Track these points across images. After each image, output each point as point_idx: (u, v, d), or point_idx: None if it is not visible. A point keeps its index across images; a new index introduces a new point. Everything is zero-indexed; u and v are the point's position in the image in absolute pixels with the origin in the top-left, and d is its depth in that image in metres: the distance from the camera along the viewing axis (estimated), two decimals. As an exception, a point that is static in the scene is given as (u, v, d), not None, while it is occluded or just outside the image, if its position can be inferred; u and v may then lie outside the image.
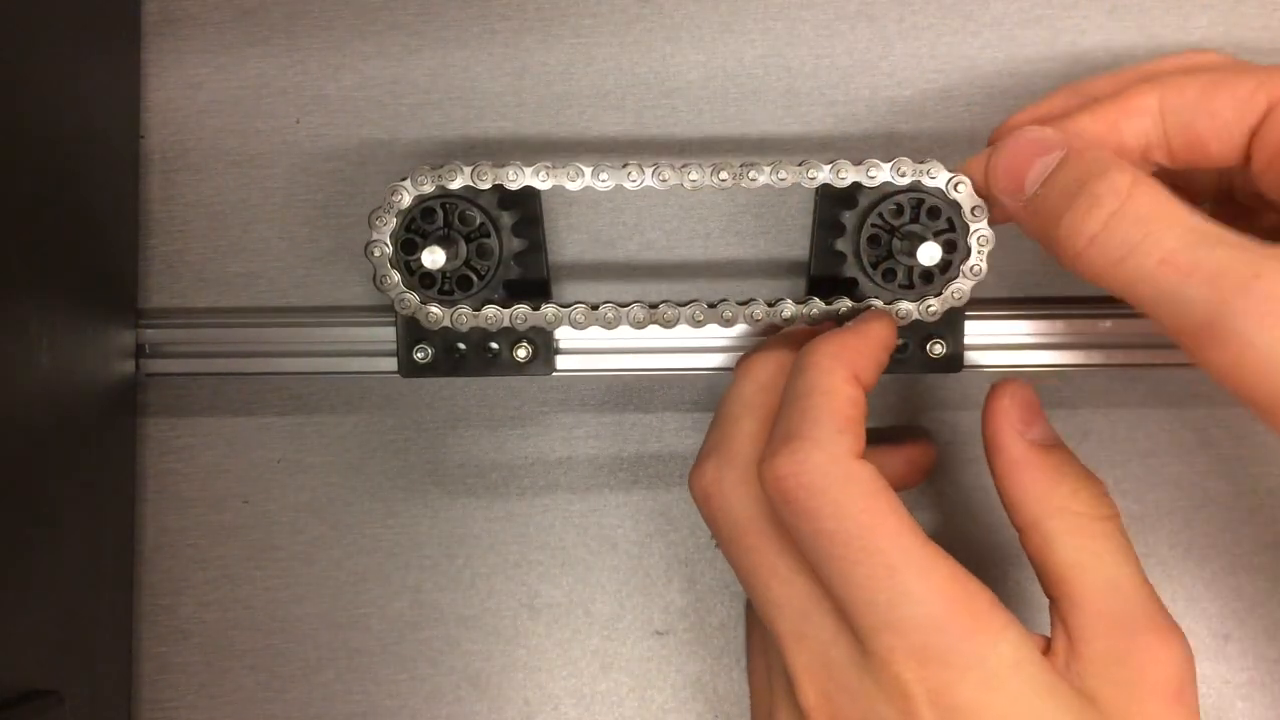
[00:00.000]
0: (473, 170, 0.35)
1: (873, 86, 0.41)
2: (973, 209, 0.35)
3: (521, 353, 0.38)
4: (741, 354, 0.35)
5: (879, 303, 0.36)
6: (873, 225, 0.36)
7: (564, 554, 0.41)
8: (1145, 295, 0.28)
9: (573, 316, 0.36)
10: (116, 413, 0.39)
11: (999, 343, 0.39)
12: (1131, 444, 0.41)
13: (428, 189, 0.35)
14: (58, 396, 0.35)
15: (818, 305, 0.36)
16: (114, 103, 0.40)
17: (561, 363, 0.38)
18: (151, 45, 0.41)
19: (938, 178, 0.35)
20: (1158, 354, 0.39)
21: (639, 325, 0.36)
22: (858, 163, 0.35)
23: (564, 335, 0.38)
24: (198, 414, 0.41)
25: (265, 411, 0.41)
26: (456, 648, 0.41)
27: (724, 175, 0.35)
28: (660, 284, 0.41)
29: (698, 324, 0.36)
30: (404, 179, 0.35)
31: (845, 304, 0.36)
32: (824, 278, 0.38)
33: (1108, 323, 0.39)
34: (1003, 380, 0.32)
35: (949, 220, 0.35)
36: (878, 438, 0.38)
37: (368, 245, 0.35)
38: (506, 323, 0.36)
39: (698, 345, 0.39)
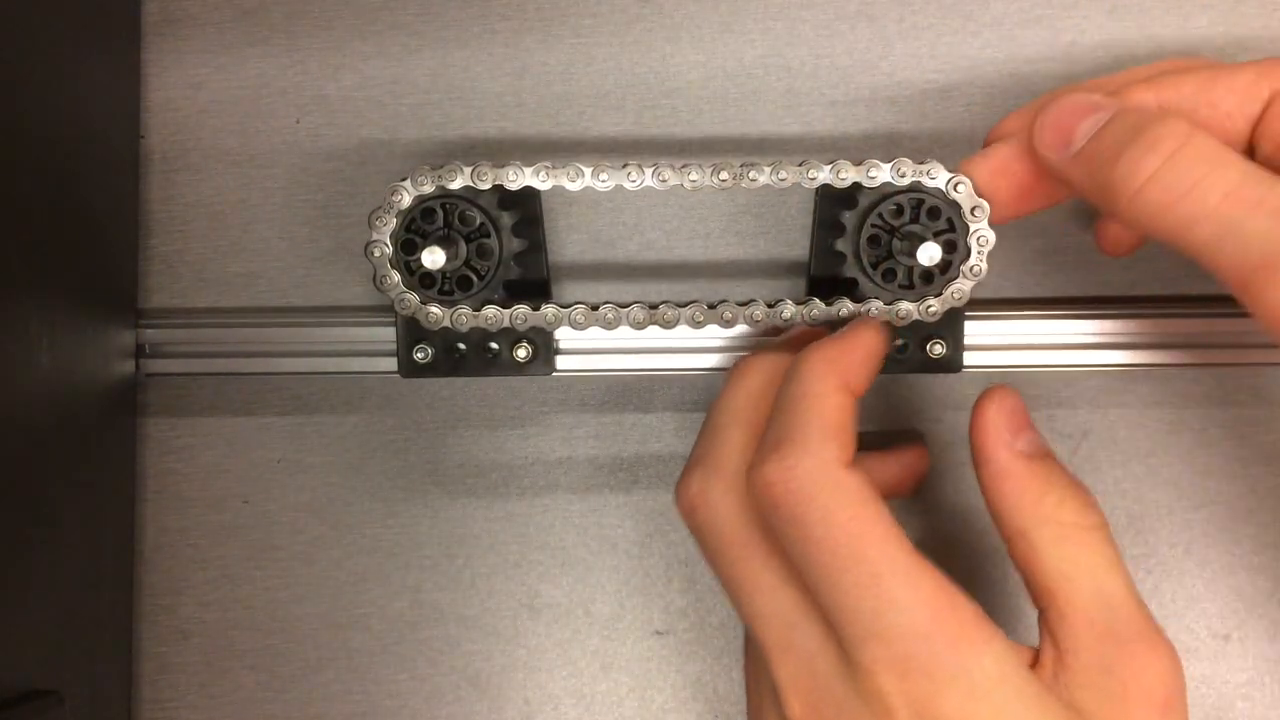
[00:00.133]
0: (473, 170, 0.35)
1: (873, 86, 0.41)
2: (973, 209, 0.35)
3: (521, 353, 0.38)
4: (735, 361, 0.35)
5: (879, 304, 0.36)
6: (873, 225, 0.36)
7: (564, 554, 0.41)
8: (1203, 234, 0.28)
9: (573, 317, 0.36)
10: (116, 413, 0.39)
11: (999, 343, 0.39)
12: (1131, 444, 0.41)
13: (428, 189, 0.35)
14: (58, 396, 0.35)
15: (818, 306, 0.36)
16: (114, 103, 0.40)
17: (561, 363, 0.38)
18: (151, 45, 0.41)
19: (938, 178, 0.35)
20: (1158, 354, 0.39)
21: (639, 326, 0.36)
22: (858, 163, 0.35)
23: (564, 335, 0.38)
24: (198, 414, 0.41)
25: (265, 411, 0.41)
26: (456, 648, 0.41)
27: (724, 175, 0.35)
28: (660, 284, 0.41)
29: (698, 325, 0.36)
30: (404, 179, 0.35)
31: (845, 305, 0.36)
32: (824, 278, 0.38)
33: (1108, 323, 0.39)
34: (990, 388, 0.32)
35: (949, 220, 0.35)
36: (873, 443, 0.38)
37: (368, 245, 0.35)
38: (506, 323, 0.36)
39: (698, 346, 0.39)
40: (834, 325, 0.36)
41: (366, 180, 0.41)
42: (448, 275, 0.36)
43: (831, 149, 0.41)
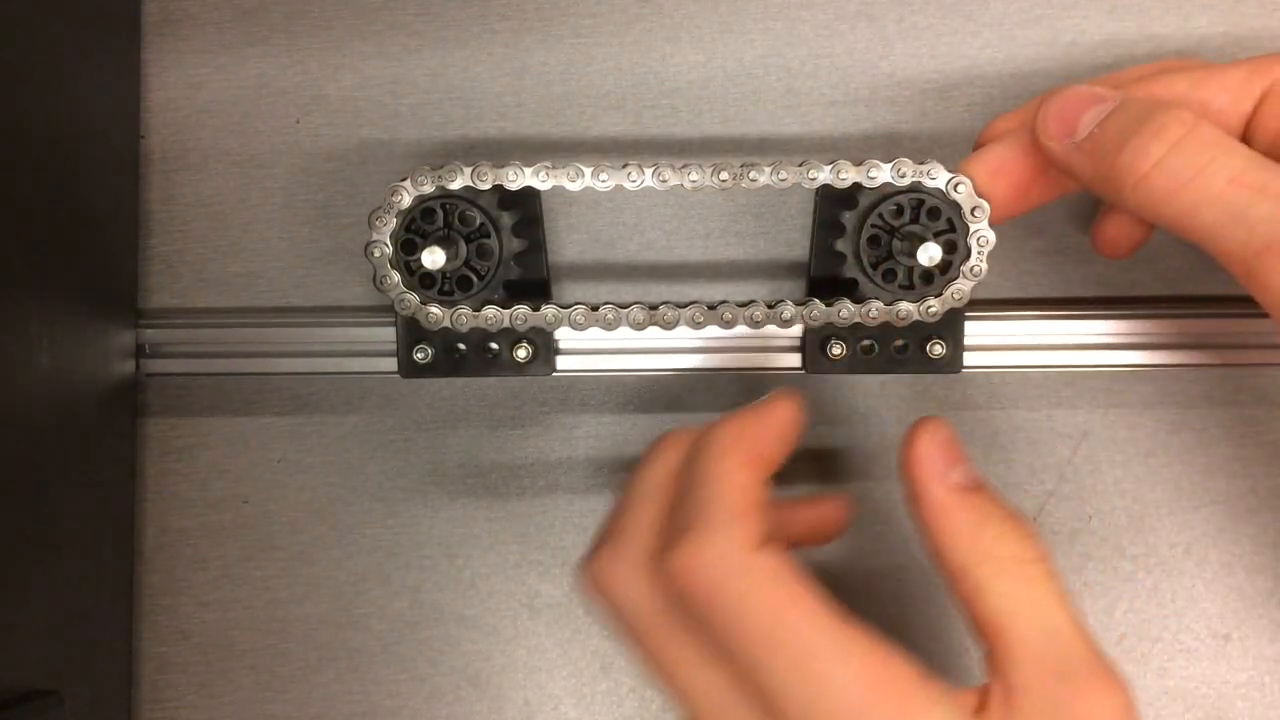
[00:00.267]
0: (473, 170, 0.35)
1: (873, 86, 0.41)
2: (973, 210, 0.35)
3: (521, 353, 0.38)
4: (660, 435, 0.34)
5: (879, 304, 0.36)
6: (873, 226, 0.36)
7: (564, 554, 0.41)
8: (1209, 218, 0.28)
9: (573, 317, 0.36)
10: (116, 413, 0.39)
11: (999, 343, 0.39)
12: (1131, 444, 0.41)
13: (428, 189, 0.35)
14: (58, 396, 0.35)
15: (818, 306, 0.36)
16: (114, 103, 0.40)
17: (561, 363, 0.38)
18: (151, 45, 0.41)
19: (938, 178, 0.35)
20: (1158, 354, 0.39)
21: (639, 326, 0.36)
22: (858, 163, 0.35)
23: (564, 336, 0.38)
24: (198, 414, 0.41)
25: (265, 411, 0.41)
26: (456, 648, 0.41)
27: (724, 175, 0.35)
28: (660, 284, 0.41)
29: (698, 325, 0.36)
30: (404, 179, 0.35)
31: (845, 305, 0.36)
32: (824, 278, 0.38)
33: (1108, 323, 0.39)
34: (919, 421, 0.31)
35: (949, 221, 0.35)
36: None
37: (368, 245, 0.35)
38: (506, 323, 0.36)
39: (698, 346, 0.39)
40: (834, 327, 0.36)
41: (366, 180, 0.41)
42: (448, 275, 0.36)
43: (831, 149, 0.41)
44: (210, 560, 0.41)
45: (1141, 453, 0.41)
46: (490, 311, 0.36)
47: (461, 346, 0.38)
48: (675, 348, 0.39)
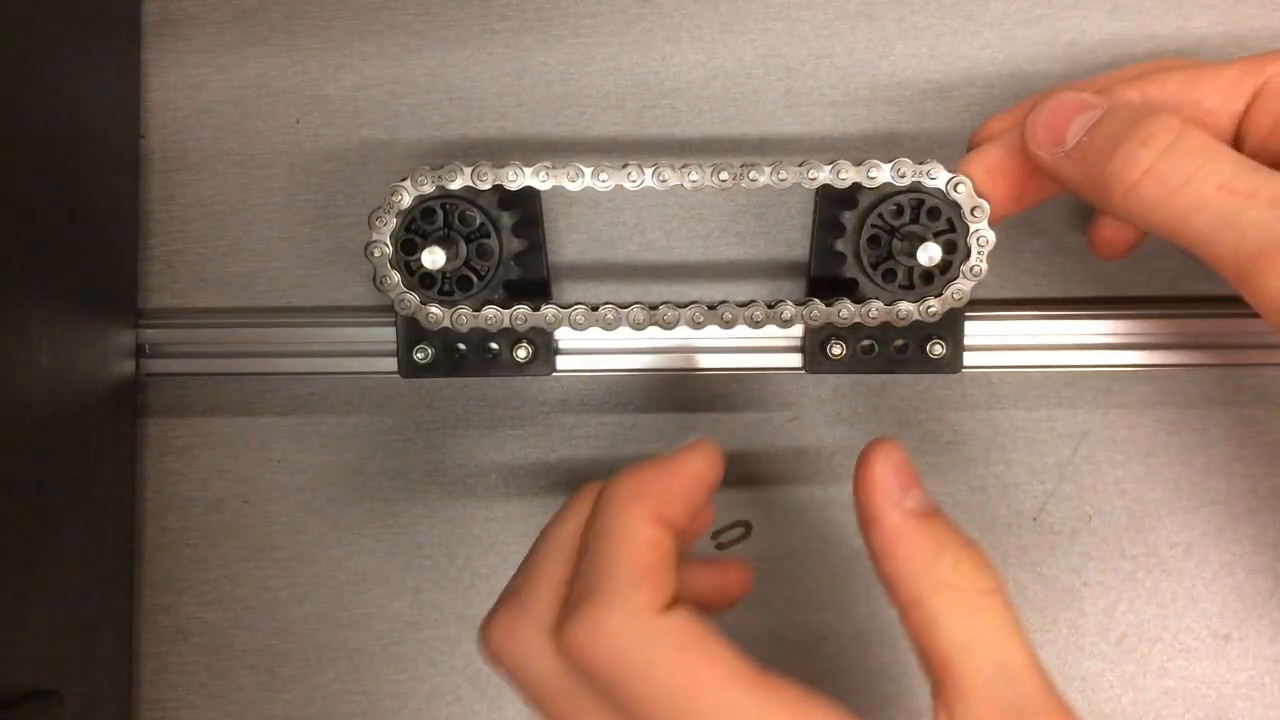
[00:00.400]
0: (473, 170, 0.35)
1: (873, 86, 0.41)
2: (973, 209, 0.35)
3: (521, 353, 0.38)
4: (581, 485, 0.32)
5: (879, 304, 0.36)
6: (873, 226, 0.36)
7: (564, 554, 0.41)
8: (1200, 224, 0.28)
9: (573, 317, 0.36)
10: (116, 413, 0.39)
11: (999, 343, 0.39)
12: (1131, 444, 0.41)
13: (428, 189, 0.35)
14: (58, 396, 0.35)
15: (818, 306, 0.36)
16: (114, 103, 0.40)
17: (561, 363, 0.38)
18: (151, 45, 0.41)
19: (938, 178, 0.35)
20: (1158, 354, 0.39)
21: (639, 326, 0.36)
22: (858, 163, 0.35)
23: (564, 336, 0.38)
24: (198, 414, 0.41)
25: (265, 411, 0.41)
26: (456, 648, 0.41)
27: (724, 175, 0.35)
28: (660, 284, 0.41)
29: (697, 325, 0.36)
30: (404, 179, 0.35)
31: (845, 305, 0.36)
32: (824, 278, 0.38)
33: (1108, 323, 0.39)
34: (872, 442, 0.29)
35: (949, 221, 0.35)
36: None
37: (368, 245, 0.35)
38: (506, 323, 0.36)
39: (698, 346, 0.39)
40: (834, 327, 0.36)
41: (366, 180, 0.41)
42: (448, 275, 0.36)
43: (831, 149, 0.41)
44: (210, 560, 0.41)
45: (1141, 453, 0.41)
46: (490, 311, 0.36)
47: (461, 346, 0.38)
48: (675, 348, 0.39)
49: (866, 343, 0.37)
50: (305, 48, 0.41)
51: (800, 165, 0.35)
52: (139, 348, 0.40)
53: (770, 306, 0.36)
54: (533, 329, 0.37)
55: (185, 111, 0.41)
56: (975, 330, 0.38)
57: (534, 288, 0.38)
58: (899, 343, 0.37)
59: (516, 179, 0.35)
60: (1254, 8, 0.41)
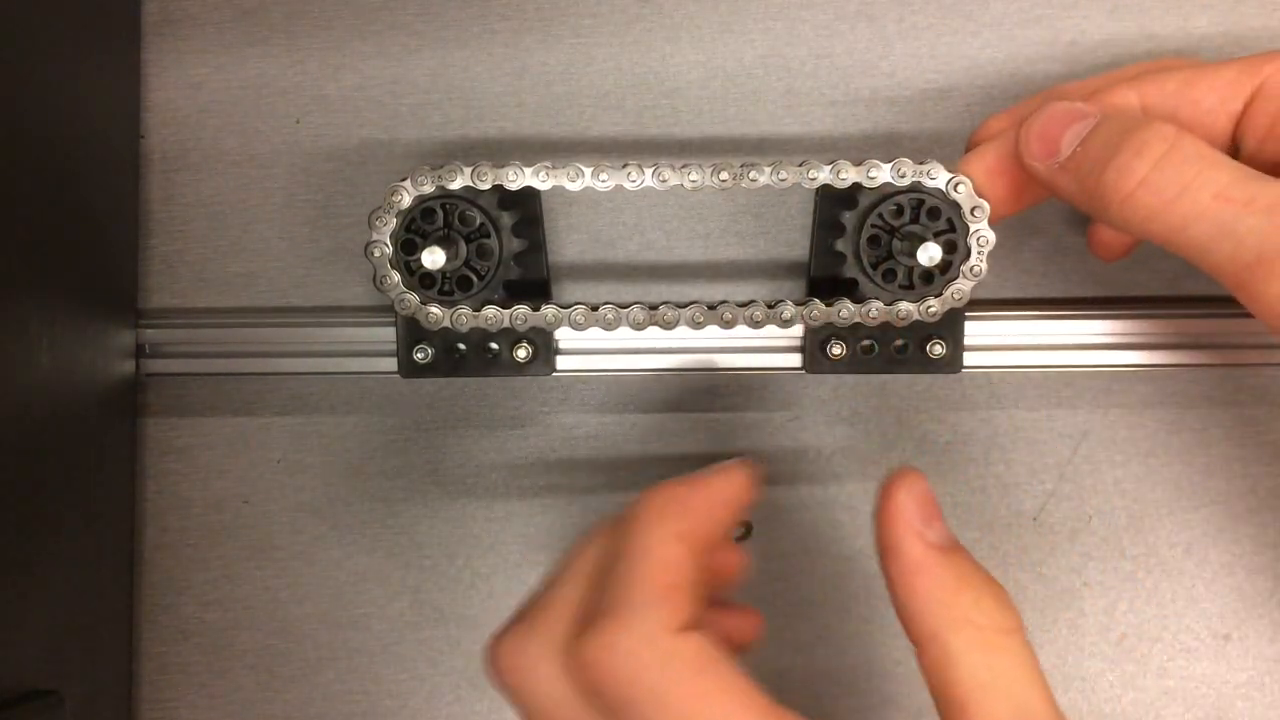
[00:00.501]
0: (473, 170, 0.35)
1: (873, 86, 0.41)
2: (973, 209, 0.35)
3: (521, 353, 0.38)
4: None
5: (879, 304, 0.36)
6: (873, 226, 0.36)
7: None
8: (1198, 233, 0.28)
9: (573, 317, 0.36)
10: (116, 413, 0.39)
11: (999, 343, 0.39)
12: (1131, 444, 0.41)
13: (428, 189, 0.35)
14: (58, 396, 0.35)
15: (818, 306, 0.36)
16: (114, 103, 0.40)
17: (561, 363, 0.38)
18: (151, 45, 0.41)
19: (938, 178, 0.35)
20: (1158, 354, 0.39)
21: (639, 326, 0.36)
22: (858, 163, 0.35)
23: (564, 336, 0.38)
24: (198, 414, 0.41)
25: (265, 411, 0.41)
26: (456, 648, 0.41)
27: (724, 175, 0.35)
28: (660, 284, 0.41)
29: (698, 325, 0.36)
30: (404, 179, 0.35)
31: (845, 305, 0.36)
32: (824, 278, 0.38)
33: (1108, 323, 0.39)
34: (896, 473, 0.29)
35: (949, 221, 0.35)
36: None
37: (368, 245, 0.35)
38: (506, 323, 0.36)
39: (698, 346, 0.39)
40: (834, 327, 0.36)
41: (366, 180, 0.41)
42: (448, 275, 0.36)
43: (831, 149, 0.41)
44: (210, 560, 0.41)
45: (1141, 453, 0.41)
46: (490, 311, 0.36)
47: (461, 346, 0.38)
48: (675, 348, 0.39)
49: (866, 343, 0.37)
50: (305, 48, 0.41)
51: (800, 165, 0.35)
52: (139, 348, 0.40)
53: (770, 306, 0.36)
54: (533, 329, 0.37)
55: (185, 111, 0.41)
56: (975, 330, 0.38)
57: (534, 288, 0.38)
58: (899, 343, 0.37)
59: (516, 179, 0.35)
60: (1254, 8, 0.41)
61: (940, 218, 0.35)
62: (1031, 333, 0.39)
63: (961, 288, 0.36)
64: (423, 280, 0.36)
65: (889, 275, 0.36)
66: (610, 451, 0.41)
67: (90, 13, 0.38)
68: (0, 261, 0.32)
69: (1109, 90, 0.33)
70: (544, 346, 0.38)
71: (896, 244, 0.36)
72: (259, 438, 0.41)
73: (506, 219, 0.37)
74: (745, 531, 0.41)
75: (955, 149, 0.41)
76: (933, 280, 0.36)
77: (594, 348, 0.39)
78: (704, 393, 0.41)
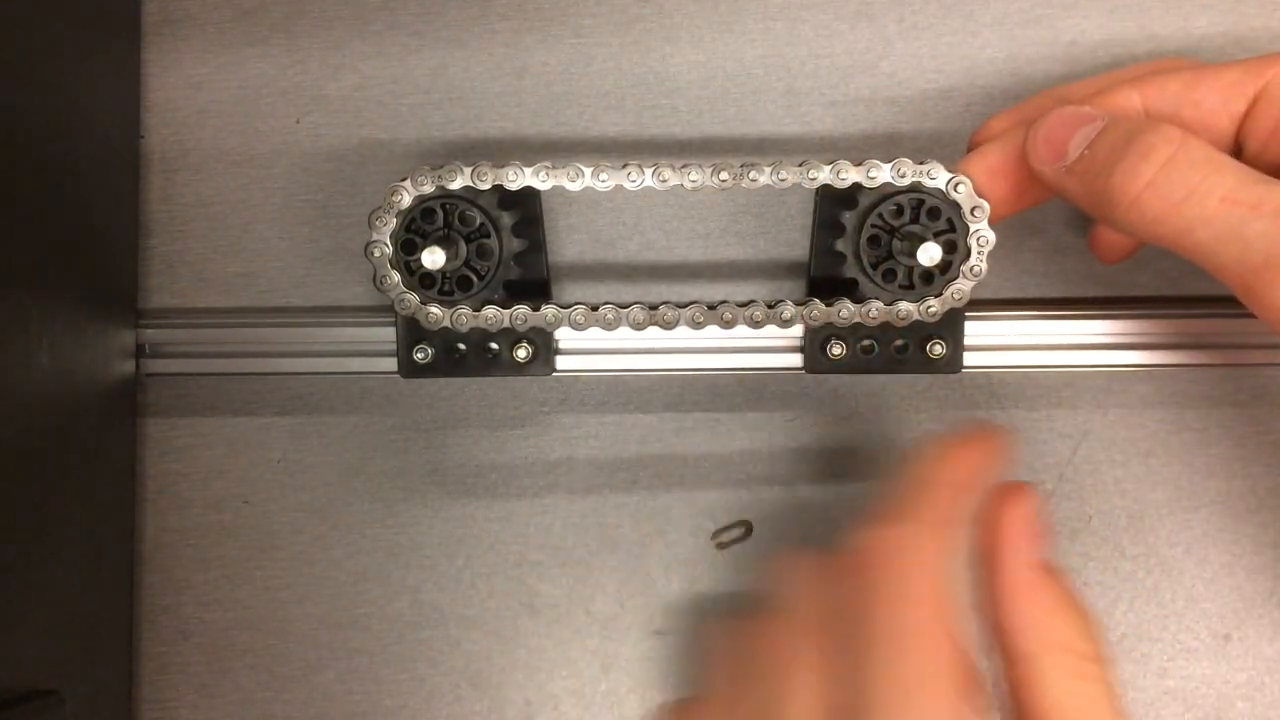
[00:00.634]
0: (473, 170, 0.35)
1: (873, 86, 0.41)
2: (973, 209, 0.35)
3: (521, 353, 0.38)
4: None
5: (879, 304, 0.36)
6: (873, 226, 0.36)
7: (564, 554, 0.41)
8: (1205, 237, 0.28)
9: (573, 317, 0.36)
10: (116, 413, 0.39)
11: (999, 343, 0.39)
12: (1131, 444, 0.41)
13: (428, 189, 0.35)
14: (58, 396, 0.35)
15: (818, 306, 0.36)
16: (114, 103, 0.40)
17: (561, 363, 0.38)
18: (151, 45, 0.41)
19: (938, 178, 0.35)
20: (1158, 354, 0.39)
21: (639, 326, 0.36)
22: (858, 163, 0.35)
23: (564, 336, 0.38)
24: (198, 414, 0.41)
25: (265, 411, 0.41)
26: (456, 648, 0.41)
27: (724, 175, 0.35)
28: (660, 284, 0.41)
29: (697, 325, 0.36)
30: (404, 179, 0.35)
31: (845, 305, 0.36)
32: (824, 278, 0.38)
33: (1108, 323, 0.39)
34: (1009, 485, 0.29)
35: (949, 221, 0.35)
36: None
37: (368, 245, 0.35)
38: (506, 323, 0.36)
39: (698, 346, 0.39)
40: (834, 327, 0.36)
41: (366, 180, 0.41)
42: (448, 275, 0.36)
43: (831, 149, 0.41)
44: (210, 560, 0.41)
45: (1141, 453, 0.41)
46: (490, 311, 0.36)
47: (461, 346, 0.38)
48: (675, 348, 0.39)
49: (866, 343, 0.37)
50: (305, 48, 0.41)
51: (800, 165, 0.35)
52: (139, 348, 0.40)
53: (770, 306, 0.36)
54: (533, 329, 0.37)
55: (185, 111, 0.41)
56: (975, 330, 0.38)
57: (534, 288, 0.38)
58: (899, 343, 0.37)
59: (516, 179, 0.35)
60: (1254, 8, 0.41)
61: (940, 218, 0.35)
62: (1031, 333, 0.39)
63: (961, 288, 0.36)
64: (423, 280, 0.36)
65: (889, 275, 0.36)
66: (610, 451, 0.41)
67: (90, 13, 0.38)
68: (0, 261, 0.32)
69: (1111, 91, 0.33)
70: (544, 346, 0.38)
71: (896, 244, 0.36)
72: (259, 438, 0.41)
73: (506, 219, 0.37)
74: (745, 531, 0.41)
75: (955, 149, 0.41)
76: (933, 280, 0.36)
77: (594, 348, 0.39)
78: (704, 393, 0.41)
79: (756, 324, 0.36)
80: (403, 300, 0.36)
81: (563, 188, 0.35)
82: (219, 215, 0.41)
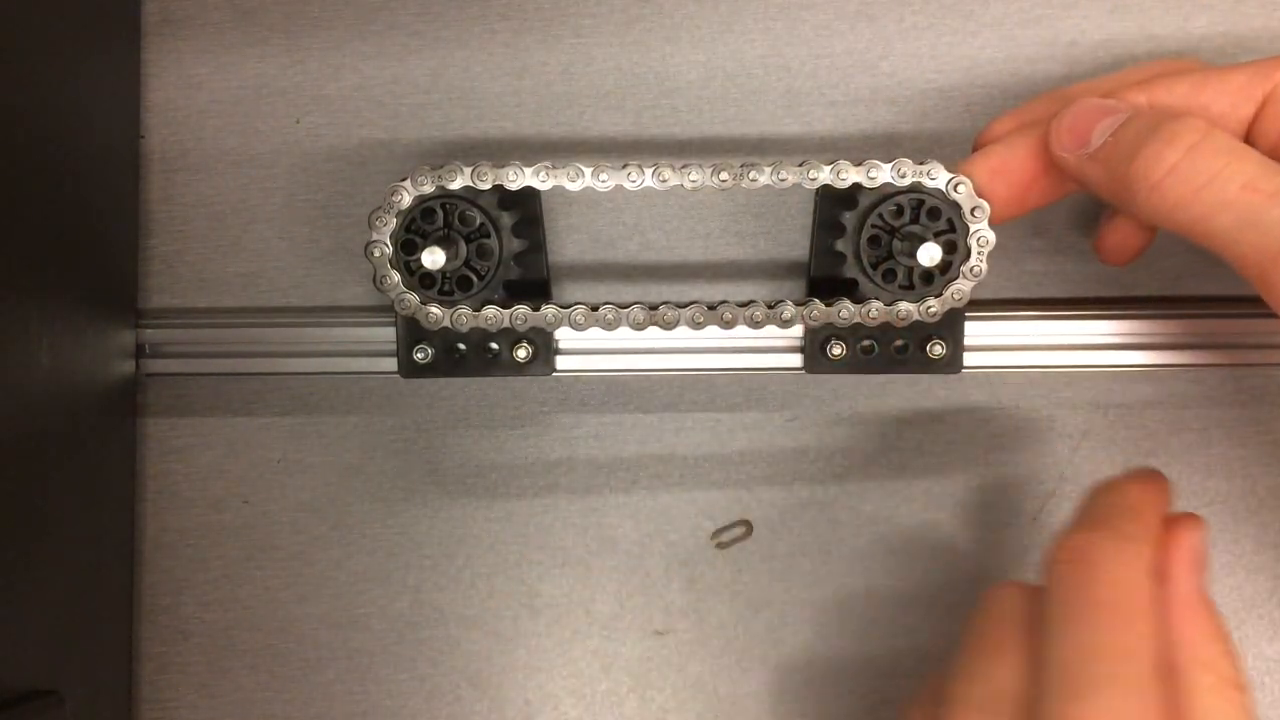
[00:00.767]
0: (473, 170, 0.35)
1: (873, 86, 0.41)
2: (973, 210, 0.35)
3: (521, 353, 0.38)
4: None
5: (879, 304, 0.36)
6: (873, 226, 0.36)
7: (564, 554, 0.41)
8: (1224, 223, 0.29)
9: (573, 317, 0.36)
10: (116, 413, 0.39)
11: (999, 343, 0.39)
12: (1132, 444, 0.41)
13: (428, 189, 0.35)
14: (58, 396, 0.35)
15: (818, 306, 0.36)
16: (114, 103, 0.40)
17: (561, 363, 0.38)
18: (151, 45, 0.41)
19: (938, 178, 0.35)
20: (1158, 355, 0.39)
21: (639, 327, 0.36)
22: (858, 163, 0.35)
23: (564, 336, 0.38)
24: (198, 414, 0.41)
25: (265, 411, 0.41)
26: (456, 648, 0.41)
27: (724, 176, 0.35)
28: (660, 284, 0.41)
29: (697, 326, 0.36)
30: (404, 179, 0.35)
31: (845, 305, 0.36)
32: (824, 278, 0.38)
33: (1108, 323, 0.39)
34: (1186, 517, 0.31)
35: (949, 221, 0.35)
36: None
37: (368, 245, 0.35)
38: (506, 323, 0.36)
39: (697, 346, 0.39)
40: (834, 327, 0.36)
41: (366, 180, 0.41)
42: (448, 275, 0.36)
43: (831, 149, 0.41)
44: (210, 560, 0.41)
45: (1141, 453, 0.41)
46: (490, 311, 0.36)
47: (461, 346, 0.38)
48: (675, 348, 0.39)
49: (866, 343, 0.37)
50: (305, 48, 0.41)
51: (800, 165, 0.35)
52: (139, 348, 0.40)
53: (770, 307, 0.36)
54: (533, 329, 0.37)
55: (185, 111, 0.41)
56: (975, 330, 0.38)
57: (534, 288, 0.38)
58: (899, 343, 0.37)
59: (516, 179, 0.35)
60: (1254, 8, 0.41)
61: (940, 218, 0.35)
62: (1032, 333, 0.39)
63: (961, 288, 0.36)
64: (423, 280, 0.36)
65: (889, 275, 0.36)
66: (610, 451, 0.41)
67: (90, 13, 0.38)
68: (0, 261, 0.32)
69: (1118, 94, 0.33)
70: (544, 346, 0.38)
71: (897, 244, 0.36)
72: (259, 438, 0.41)
73: (506, 219, 0.37)
74: (745, 532, 0.41)
75: (955, 149, 0.41)
76: (933, 280, 0.36)
77: (594, 348, 0.39)
78: (704, 393, 0.41)
79: (756, 324, 0.36)
80: (403, 300, 0.36)
81: (563, 188, 0.35)
82: (219, 215, 0.41)
